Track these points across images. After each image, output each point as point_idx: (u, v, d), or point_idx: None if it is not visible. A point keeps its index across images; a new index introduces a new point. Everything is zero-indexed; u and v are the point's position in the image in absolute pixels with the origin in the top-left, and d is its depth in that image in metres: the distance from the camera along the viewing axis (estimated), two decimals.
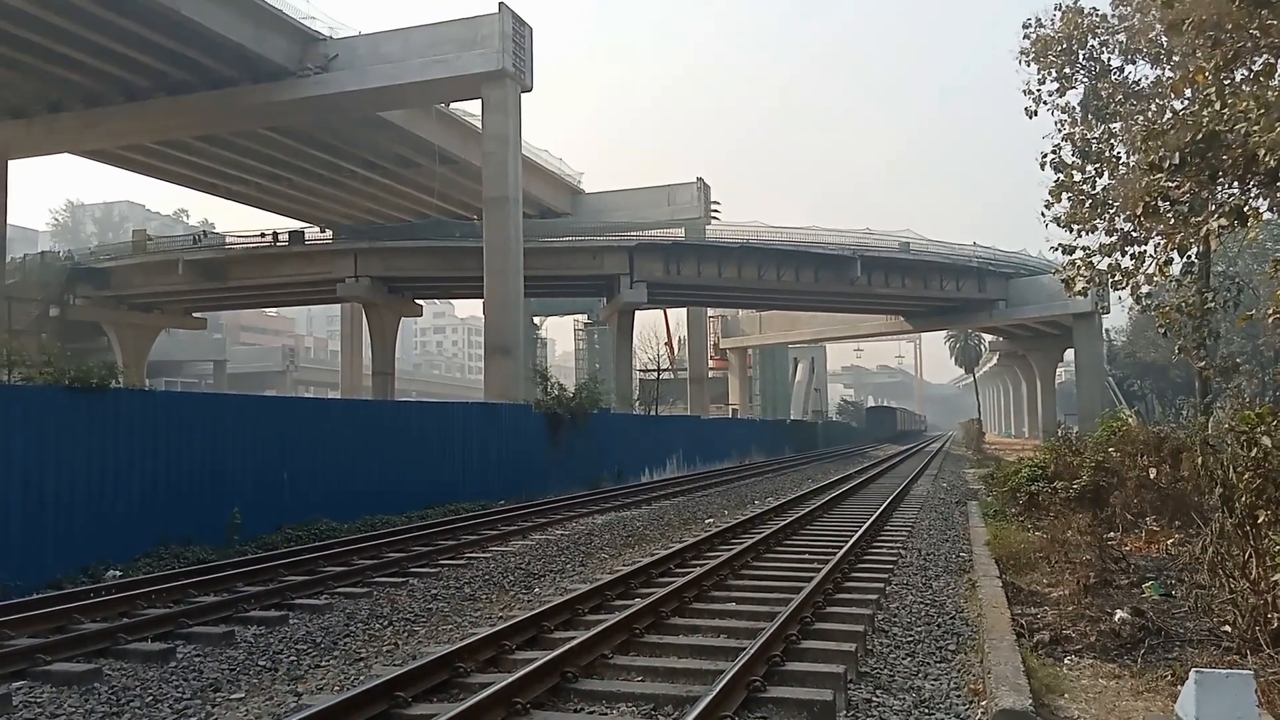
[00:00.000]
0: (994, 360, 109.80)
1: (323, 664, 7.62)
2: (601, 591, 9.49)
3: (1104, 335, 65.27)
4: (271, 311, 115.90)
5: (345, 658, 7.80)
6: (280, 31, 33.97)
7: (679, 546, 12.74)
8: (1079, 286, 16.31)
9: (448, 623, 9.07)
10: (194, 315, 61.72)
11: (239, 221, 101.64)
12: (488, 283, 34.61)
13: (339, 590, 10.61)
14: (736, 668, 6.26)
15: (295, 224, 56.10)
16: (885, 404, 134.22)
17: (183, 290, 52.22)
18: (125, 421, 12.98)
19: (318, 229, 57.25)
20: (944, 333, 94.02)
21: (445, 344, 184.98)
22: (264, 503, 14.93)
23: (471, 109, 40.30)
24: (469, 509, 19.02)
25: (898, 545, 13.48)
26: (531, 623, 7.96)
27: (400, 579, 11.34)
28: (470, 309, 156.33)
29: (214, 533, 13.69)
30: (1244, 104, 9.31)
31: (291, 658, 7.76)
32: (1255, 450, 7.32)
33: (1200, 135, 9.77)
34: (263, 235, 52.50)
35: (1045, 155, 17.79)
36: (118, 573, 11.63)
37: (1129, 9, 18.13)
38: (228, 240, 54.92)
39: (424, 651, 7.64)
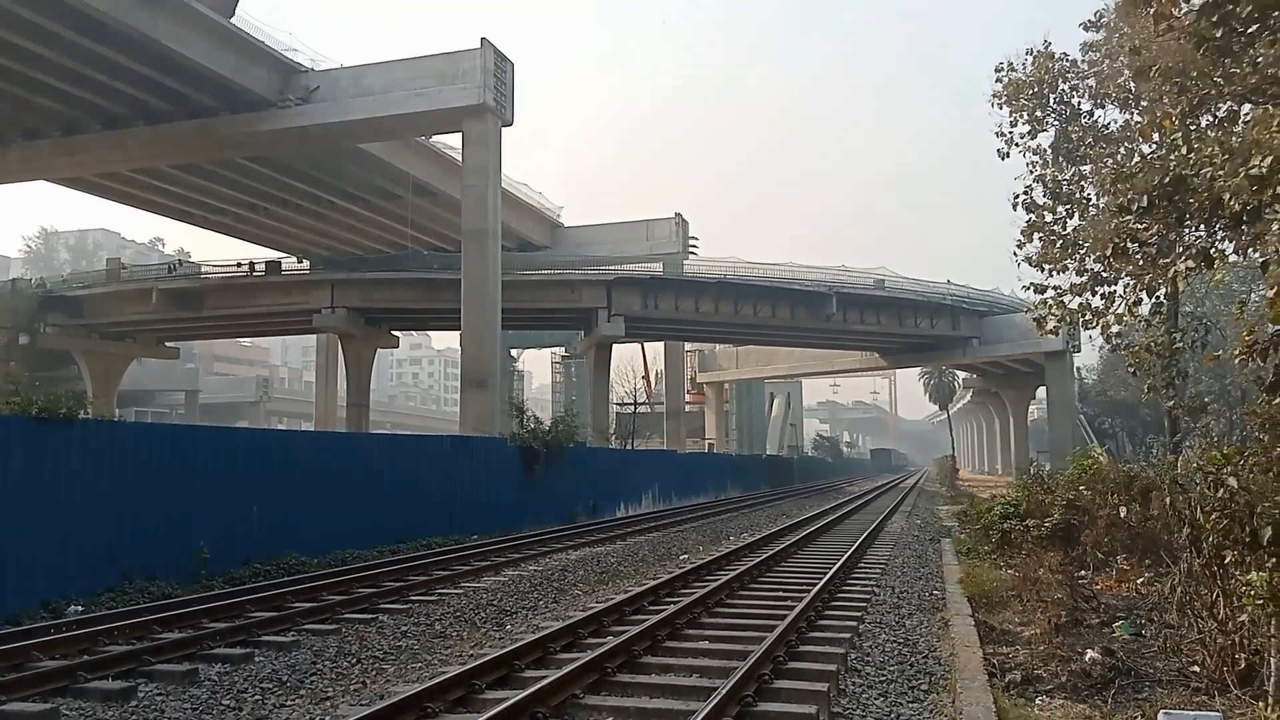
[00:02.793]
0: (968, 397, 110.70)
1: (288, 703, 7.48)
2: (574, 629, 9.39)
3: (1075, 373, 65.96)
4: (246, 341, 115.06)
5: (311, 697, 7.66)
6: (261, 63, 34.06)
7: (653, 583, 12.66)
8: (1050, 325, 16.57)
9: (417, 660, 8.94)
10: (167, 344, 61.07)
11: (215, 251, 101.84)
12: (465, 315, 34.58)
13: (307, 627, 10.44)
14: (709, 707, 6.21)
15: (272, 254, 55.88)
16: (864, 439, 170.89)
17: (156, 319, 51.74)
18: (92, 452, 12.77)
19: (295, 259, 57.07)
20: (918, 369, 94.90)
21: (421, 376, 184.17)
22: (232, 537, 14.68)
23: (452, 141, 40.50)
24: (442, 543, 18.83)
25: (871, 583, 13.47)
26: (502, 661, 7.87)
27: (370, 615, 11.19)
28: (447, 341, 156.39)
29: (180, 567, 13.45)
30: (1209, 149, 9.49)
31: (256, 697, 7.62)
32: (1222, 491, 7.38)
33: (1168, 179, 9.95)
34: (239, 265, 52.25)
35: (1017, 196, 18.13)
36: (79, 608, 11.39)
37: (1098, 55, 18.57)
38: (203, 269, 54.63)
39: (392, 691, 7.52)
